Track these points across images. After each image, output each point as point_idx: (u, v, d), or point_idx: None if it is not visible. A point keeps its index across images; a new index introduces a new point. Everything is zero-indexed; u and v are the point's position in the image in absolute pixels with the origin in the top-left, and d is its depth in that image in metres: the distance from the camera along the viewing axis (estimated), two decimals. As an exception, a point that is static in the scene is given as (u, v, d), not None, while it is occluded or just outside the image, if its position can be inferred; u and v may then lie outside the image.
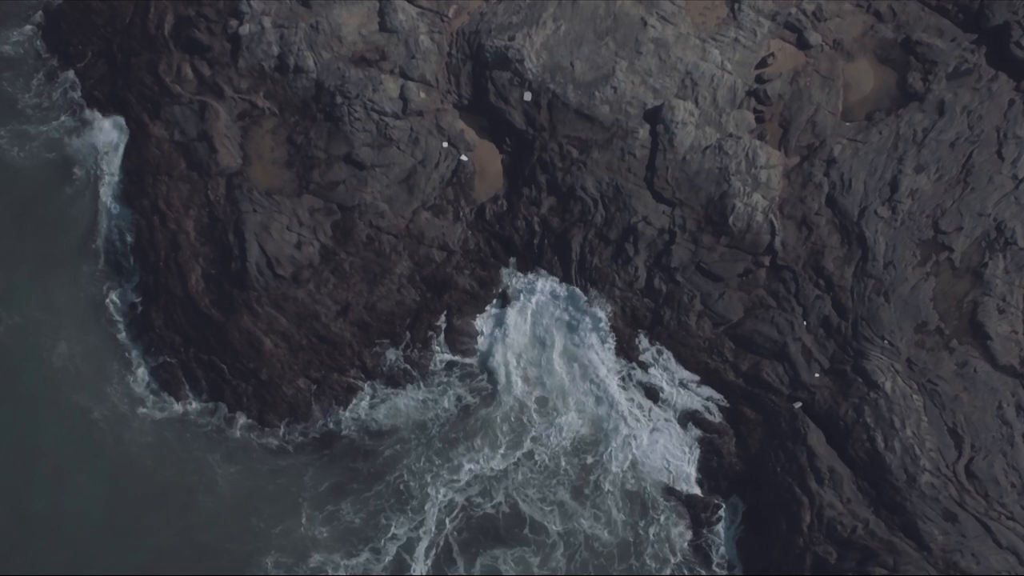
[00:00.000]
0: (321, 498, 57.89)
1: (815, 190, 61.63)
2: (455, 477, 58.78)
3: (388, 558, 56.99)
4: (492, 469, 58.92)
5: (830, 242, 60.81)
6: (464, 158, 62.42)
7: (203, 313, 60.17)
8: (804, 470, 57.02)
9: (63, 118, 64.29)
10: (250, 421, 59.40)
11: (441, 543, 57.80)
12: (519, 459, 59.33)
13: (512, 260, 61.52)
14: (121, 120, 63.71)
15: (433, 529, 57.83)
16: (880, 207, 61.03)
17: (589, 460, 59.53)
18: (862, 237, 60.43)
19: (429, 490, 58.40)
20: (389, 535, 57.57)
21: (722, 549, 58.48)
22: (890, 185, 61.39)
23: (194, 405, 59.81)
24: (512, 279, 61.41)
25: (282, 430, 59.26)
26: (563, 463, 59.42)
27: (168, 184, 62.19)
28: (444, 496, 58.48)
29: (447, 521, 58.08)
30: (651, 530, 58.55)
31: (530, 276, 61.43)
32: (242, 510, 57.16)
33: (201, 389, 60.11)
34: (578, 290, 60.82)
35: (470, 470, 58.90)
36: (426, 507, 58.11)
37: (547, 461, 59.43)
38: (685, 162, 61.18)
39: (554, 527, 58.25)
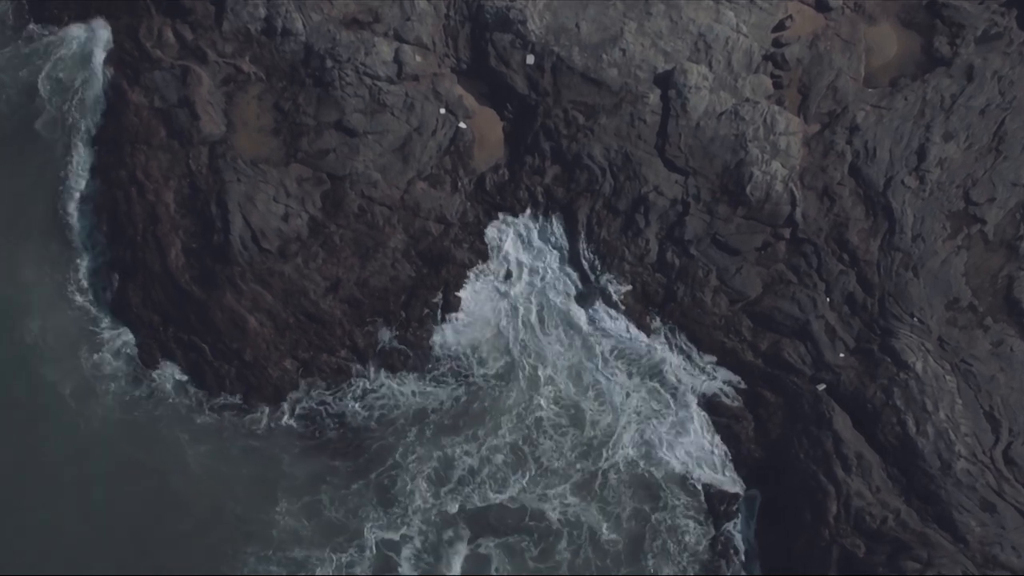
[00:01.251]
0: (303, 487, 52.98)
1: (837, 159, 56.99)
2: (450, 469, 53.94)
3: (373, 555, 52.16)
4: (491, 459, 54.09)
5: (854, 214, 56.17)
6: (463, 125, 57.79)
7: (183, 289, 55.41)
8: (829, 456, 52.19)
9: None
10: (232, 403, 54.58)
11: (432, 540, 52.95)
12: (521, 448, 54.49)
13: (512, 231, 56.98)
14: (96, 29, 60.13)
15: (423, 526, 52.97)
16: (907, 177, 56.41)
17: (596, 447, 54.69)
18: (888, 208, 55.80)
19: (421, 482, 53.52)
20: (375, 530, 52.66)
21: (739, 542, 53.61)
22: (917, 154, 56.79)
23: (171, 385, 54.98)
24: (513, 251, 56.91)
25: (265, 413, 54.43)
26: (568, 451, 54.59)
27: (147, 153, 57.44)
28: (437, 490, 53.58)
29: (439, 517, 53.20)
30: (662, 523, 53.67)
31: (534, 248, 56.93)
32: (217, 495, 52.46)
33: (180, 370, 55.37)
34: (585, 264, 56.16)
35: (466, 460, 54.01)
36: (416, 501, 53.25)
37: (551, 448, 54.60)
38: (699, 128, 56.53)
39: (556, 521, 53.42)
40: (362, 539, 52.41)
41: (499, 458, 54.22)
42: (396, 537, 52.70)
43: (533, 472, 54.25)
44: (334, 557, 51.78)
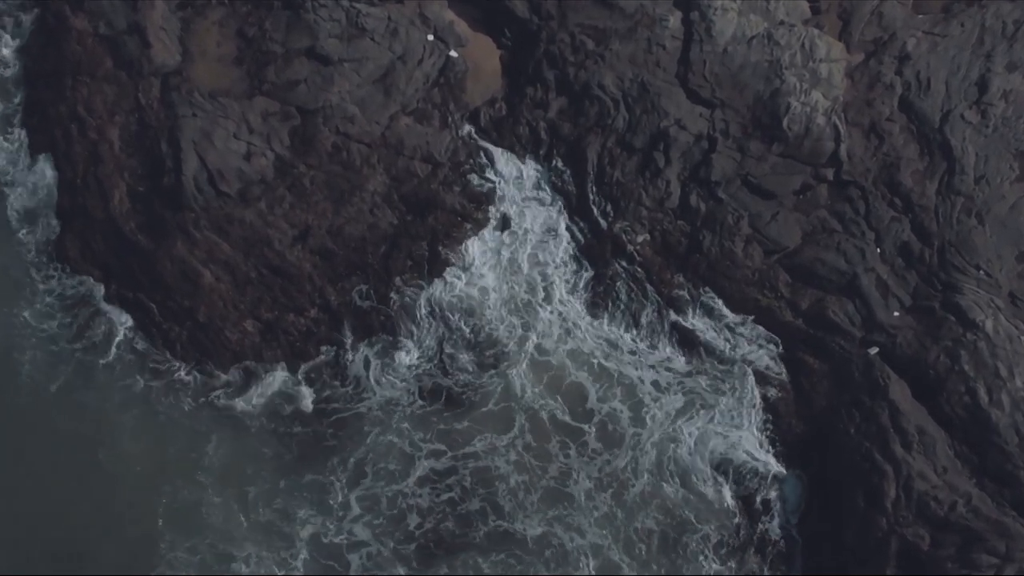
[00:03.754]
0: (246, 475, 43.85)
1: (885, 92, 48.18)
2: (432, 460, 44.92)
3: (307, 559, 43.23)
4: (477, 450, 44.97)
5: (906, 153, 47.35)
6: (454, 54, 48.98)
7: (128, 239, 46.48)
8: (886, 432, 43.11)
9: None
10: (181, 370, 45.52)
11: (397, 548, 43.86)
12: (514, 438, 45.45)
13: (512, 172, 48.02)
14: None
15: (390, 528, 43.95)
16: (967, 111, 47.59)
17: (608, 428, 45.66)
18: (946, 146, 47.01)
19: (393, 473, 44.57)
20: (314, 531, 43.64)
21: (778, 533, 44.50)
22: (977, 85, 48.02)
23: (112, 349, 45.99)
24: (511, 196, 47.91)
25: (219, 384, 45.39)
26: (572, 437, 45.59)
27: (90, 86, 48.55)
28: (410, 489, 44.56)
29: (408, 521, 44.06)
30: (687, 511, 44.63)
31: (536, 192, 48.02)
32: (150, 475, 43.39)
33: (126, 334, 46.24)
34: (595, 211, 47.26)
35: (446, 450, 45.08)
36: (387, 497, 44.30)
37: (554, 434, 45.58)
38: (727, 55, 47.73)
39: (560, 519, 44.47)
40: (297, 541, 43.45)
41: (482, 446, 45.32)
42: (338, 541, 43.75)
43: (532, 460, 45.28)
44: (267, 555, 42.74)
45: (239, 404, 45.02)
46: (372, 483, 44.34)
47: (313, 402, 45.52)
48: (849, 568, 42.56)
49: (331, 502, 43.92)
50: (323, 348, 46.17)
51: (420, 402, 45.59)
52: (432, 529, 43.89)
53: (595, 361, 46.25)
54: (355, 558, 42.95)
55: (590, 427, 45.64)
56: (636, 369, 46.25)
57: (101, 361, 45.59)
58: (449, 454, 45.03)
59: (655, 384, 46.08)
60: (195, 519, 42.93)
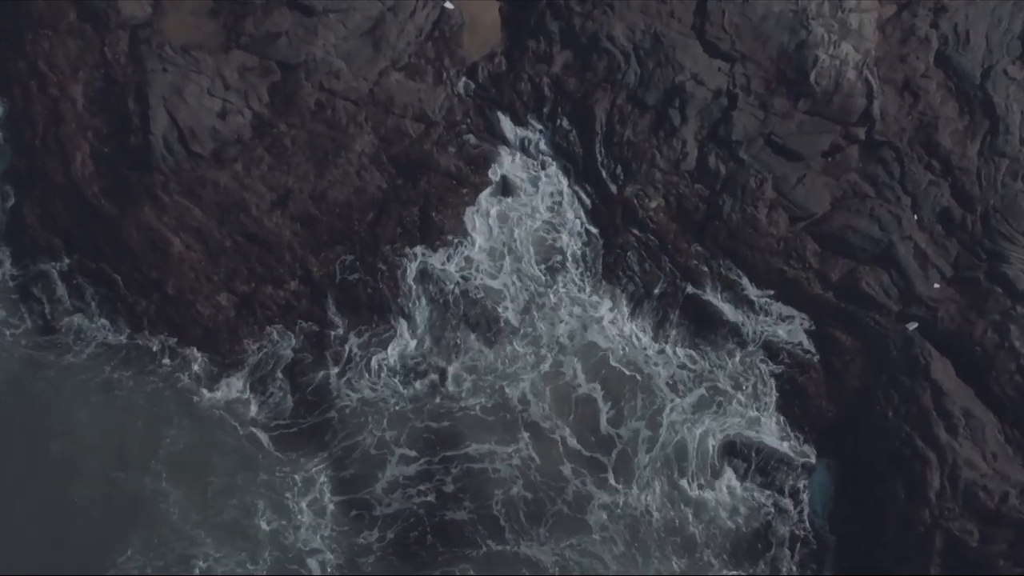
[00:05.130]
0: (226, 467, 39.11)
1: (920, 46, 43.55)
2: (420, 465, 40.16)
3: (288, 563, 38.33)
4: (473, 450, 40.32)
5: (944, 111, 42.73)
6: (449, 5, 44.29)
7: (90, 204, 41.73)
8: (928, 415, 38.38)
9: None
10: (147, 348, 40.77)
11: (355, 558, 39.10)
12: (515, 432, 40.68)
13: (512, 132, 43.34)
14: None
15: (351, 535, 39.17)
16: (1010, 66, 43.00)
17: (618, 416, 40.93)
18: (988, 104, 42.37)
19: (364, 477, 39.74)
20: (277, 531, 38.79)
21: (807, 527, 39.72)
22: (1021, 39, 43.49)
23: (72, 327, 41.23)
24: (512, 158, 43.20)
25: (188, 365, 40.66)
26: (578, 426, 40.87)
27: (52, 40, 43.77)
28: (397, 493, 39.69)
29: (370, 532, 39.25)
30: (707, 504, 39.84)
31: (539, 154, 43.31)
32: (110, 468, 38.61)
33: (87, 309, 41.68)
34: (603, 173, 42.56)
35: (437, 450, 40.29)
36: (357, 501, 39.58)
37: (556, 422, 40.84)
38: (748, 4, 42.98)
39: (564, 520, 39.76)
40: (259, 540, 38.62)
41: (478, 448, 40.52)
42: (300, 543, 38.97)
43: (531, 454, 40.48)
44: (226, 554, 37.89)
45: (205, 392, 40.29)
46: (342, 485, 39.65)
47: (288, 393, 40.80)
48: (887, 567, 37.74)
49: (294, 503, 39.14)
50: (303, 324, 41.50)
51: (406, 394, 40.83)
52: (396, 540, 39.17)
53: (603, 345, 41.60)
54: (314, 562, 38.34)
55: (600, 409, 41.03)
56: (647, 350, 41.58)
57: (56, 341, 40.87)
58: (433, 456, 40.44)
59: (668, 365, 41.31)
60: (152, 514, 38.16)
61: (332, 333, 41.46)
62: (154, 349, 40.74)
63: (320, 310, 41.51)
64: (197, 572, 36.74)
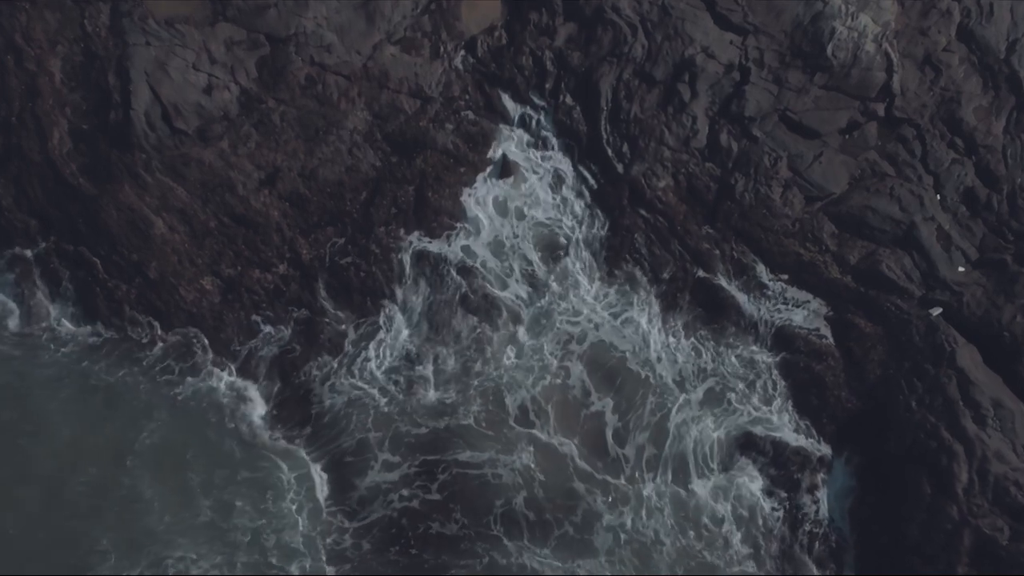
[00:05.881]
0: (205, 464, 36.57)
1: (941, 19, 41.23)
2: (403, 470, 37.48)
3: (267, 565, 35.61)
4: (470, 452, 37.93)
5: (967, 87, 40.41)
6: (447, -23, 42.27)
7: (68, 184, 39.34)
8: (954, 405, 35.95)
9: None
10: (129, 337, 38.34)
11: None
12: (514, 425, 38.22)
13: (513, 110, 40.92)
14: None
15: (353, 539, 36.73)
16: (1036, 40, 40.99)
17: (624, 406, 38.51)
18: (1014, 79, 40.07)
19: (364, 478, 37.22)
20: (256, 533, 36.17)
21: (825, 526, 37.27)
22: (1047, 12, 41.44)
23: (51, 313, 38.79)
24: (513, 136, 40.80)
25: (176, 356, 38.08)
26: (585, 437, 38.43)
27: (29, 13, 41.39)
28: (379, 499, 37.10)
29: (373, 533, 36.75)
30: (719, 501, 37.44)
31: (541, 132, 40.90)
32: (81, 464, 36.11)
33: (64, 294, 39.30)
34: (609, 152, 40.16)
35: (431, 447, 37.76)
36: (361, 499, 37.13)
37: (560, 412, 38.38)
38: (760, -26, 40.97)
39: (570, 521, 37.27)
40: (240, 543, 36.01)
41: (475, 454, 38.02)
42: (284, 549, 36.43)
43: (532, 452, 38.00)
44: (203, 553, 35.32)
45: (186, 384, 37.81)
46: (327, 485, 37.24)
47: (274, 387, 38.35)
48: (913, 567, 35.22)
49: (276, 502, 36.63)
50: (292, 310, 39.08)
51: (395, 392, 38.34)
52: (380, 545, 36.69)
53: (605, 337, 39.17)
54: (295, 566, 35.82)
55: (607, 399, 38.57)
56: (654, 339, 39.16)
57: (28, 330, 38.44)
58: (414, 460, 37.85)
59: (675, 355, 38.95)
60: (126, 513, 35.66)
61: (322, 320, 39.11)
62: (132, 337, 38.33)
63: (310, 295, 39.10)
64: (172, 573, 34.16)
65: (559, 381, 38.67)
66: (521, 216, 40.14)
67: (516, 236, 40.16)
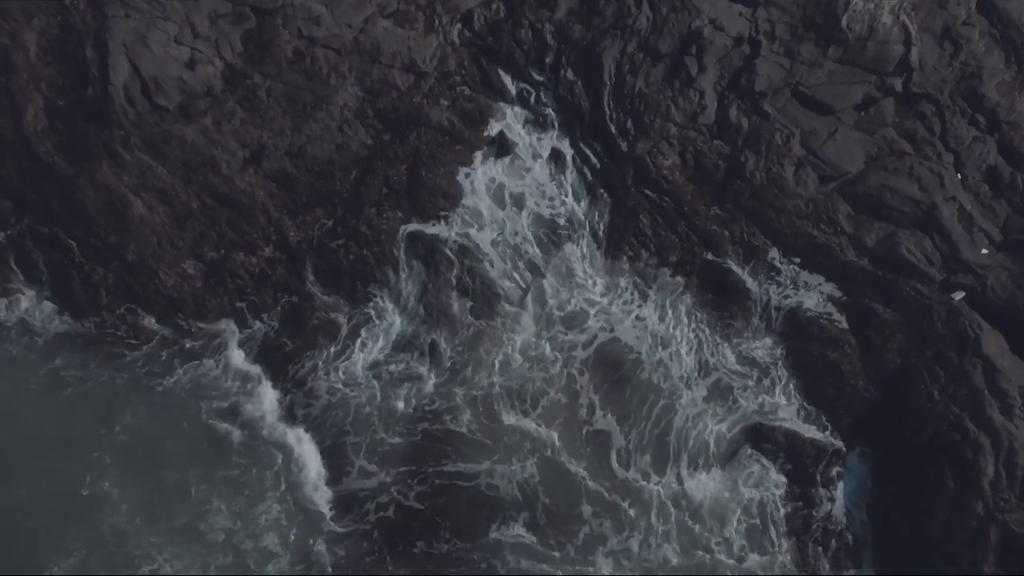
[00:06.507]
0: (181, 461, 34.33)
1: (961, -9, 39.32)
2: (381, 477, 35.17)
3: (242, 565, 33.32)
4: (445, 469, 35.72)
5: (988, 61, 38.27)
6: (442, -53, 40.15)
7: (43, 163, 37.16)
8: (979, 394, 33.75)
9: None
10: (105, 326, 36.11)
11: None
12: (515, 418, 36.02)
13: (510, 86, 38.77)
14: None
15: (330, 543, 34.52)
16: (1061, 13, 38.86)
17: (627, 396, 36.36)
18: (1038, 53, 38.16)
19: (347, 480, 35.00)
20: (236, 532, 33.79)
21: (841, 522, 35.07)
22: (1072, -16, 39.31)
23: (24, 301, 36.62)
24: (510, 112, 38.63)
25: (154, 345, 35.79)
26: (586, 409, 36.27)
27: (5, -15, 39.77)
28: (356, 505, 34.93)
29: (350, 539, 34.58)
30: (731, 496, 35.24)
31: (540, 108, 38.73)
32: (52, 459, 33.91)
33: (38, 278, 37.13)
34: (612, 128, 37.98)
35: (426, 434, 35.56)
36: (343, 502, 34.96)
37: (561, 405, 36.20)
38: (771, -57, 38.84)
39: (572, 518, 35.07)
40: (215, 544, 33.70)
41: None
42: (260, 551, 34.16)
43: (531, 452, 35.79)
44: (178, 553, 33.01)
45: (163, 376, 35.55)
46: (308, 486, 34.96)
47: (258, 380, 36.11)
48: (936, 566, 32.99)
49: (254, 503, 34.39)
50: (279, 296, 36.90)
51: (380, 388, 36.12)
52: (347, 556, 34.48)
53: (607, 325, 37.00)
54: (271, 567, 33.56)
55: (608, 396, 36.41)
56: (653, 319, 37.00)
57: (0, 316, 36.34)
58: (393, 468, 35.54)
59: (681, 346, 36.78)
60: (96, 511, 33.42)
61: (310, 307, 36.89)
62: (109, 325, 36.13)
63: (297, 279, 36.92)
64: (144, 573, 31.89)
65: (558, 376, 36.50)
66: (519, 197, 37.97)
67: (514, 218, 38.00)
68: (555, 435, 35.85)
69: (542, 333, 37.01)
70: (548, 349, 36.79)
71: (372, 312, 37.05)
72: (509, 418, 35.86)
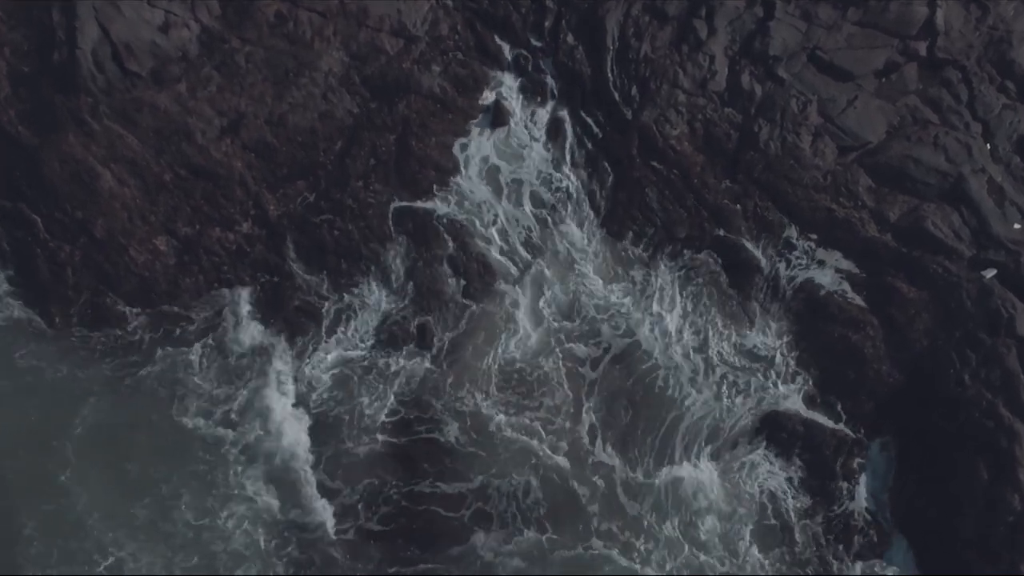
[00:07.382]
0: (146, 453, 31.48)
1: (987, -49, 36.68)
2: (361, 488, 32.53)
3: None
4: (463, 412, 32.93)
5: (1018, 25, 35.55)
6: (434, -95, 37.54)
7: (6, 133, 34.31)
8: (1013, 378, 30.96)
9: None
10: (67, 308, 33.46)
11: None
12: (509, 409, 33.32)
13: (507, 51, 36.08)
14: None
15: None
16: (1094, -27, 36.24)
17: (630, 387, 33.64)
18: (1071, 17, 35.50)
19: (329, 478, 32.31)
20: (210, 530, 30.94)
21: (862, 519, 32.28)
22: (1105, -57, 36.70)
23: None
24: (506, 81, 35.92)
25: (122, 329, 33.08)
26: (588, 401, 33.59)
27: (-34, -56, 37.14)
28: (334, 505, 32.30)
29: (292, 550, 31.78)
30: (741, 488, 32.50)
31: (539, 75, 36.05)
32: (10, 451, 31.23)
33: (1, 255, 34.45)
34: (616, 96, 35.28)
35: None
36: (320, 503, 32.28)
37: (564, 400, 33.50)
38: (785, -102, 36.21)
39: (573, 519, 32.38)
40: (181, 542, 30.93)
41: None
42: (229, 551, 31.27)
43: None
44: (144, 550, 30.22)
45: (130, 362, 32.76)
46: (281, 482, 32.21)
47: (233, 369, 33.26)
48: (969, 565, 30.26)
49: (223, 499, 31.57)
50: (257, 275, 34.17)
51: (368, 383, 33.42)
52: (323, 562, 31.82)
53: (606, 315, 34.27)
54: (241, 570, 30.78)
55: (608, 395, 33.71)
56: (662, 305, 34.31)
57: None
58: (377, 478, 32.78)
59: (687, 337, 34.10)
60: (56, 505, 30.68)
61: (291, 286, 34.11)
62: (72, 308, 33.32)
63: (278, 256, 34.15)
64: (103, 571, 29.12)
65: (554, 368, 33.84)
66: (516, 169, 35.21)
67: (511, 192, 35.24)
68: (553, 428, 33.19)
69: (540, 318, 34.32)
70: (546, 336, 34.13)
71: (358, 292, 34.35)
72: (503, 411, 33.23)
